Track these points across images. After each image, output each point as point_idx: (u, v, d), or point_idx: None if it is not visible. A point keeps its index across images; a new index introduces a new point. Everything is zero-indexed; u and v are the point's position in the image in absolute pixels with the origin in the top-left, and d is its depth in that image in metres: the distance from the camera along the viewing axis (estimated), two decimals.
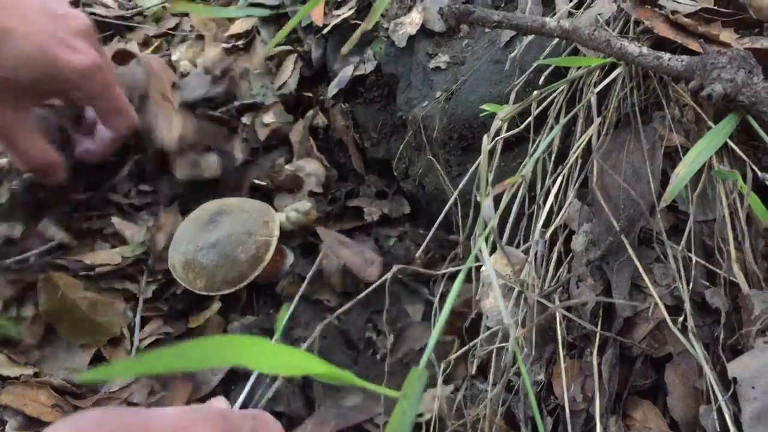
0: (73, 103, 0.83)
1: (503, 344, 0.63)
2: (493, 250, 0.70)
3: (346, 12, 1.05)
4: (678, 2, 0.68)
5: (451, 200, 0.76)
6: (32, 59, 0.68)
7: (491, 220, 0.54)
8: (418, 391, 0.39)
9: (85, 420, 0.36)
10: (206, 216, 0.81)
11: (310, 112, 1.07)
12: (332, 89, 1.04)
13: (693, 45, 0.62)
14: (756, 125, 0.57)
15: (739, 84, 0.56)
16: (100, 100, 0.77)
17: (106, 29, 1.21)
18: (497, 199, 0.76)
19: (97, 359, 0.80)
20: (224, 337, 0.27)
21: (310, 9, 0.98)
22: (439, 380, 0.65)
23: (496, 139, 0.74)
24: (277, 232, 0.78)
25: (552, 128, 0.74)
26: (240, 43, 1.15)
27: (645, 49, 0.63)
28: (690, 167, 0.56)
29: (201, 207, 0.84)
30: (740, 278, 0.57)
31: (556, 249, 0.71)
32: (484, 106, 0.70)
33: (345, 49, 0.84)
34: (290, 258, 0.89)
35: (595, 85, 0.69)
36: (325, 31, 1.06)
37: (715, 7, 0.66)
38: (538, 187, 0.75)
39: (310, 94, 1.06)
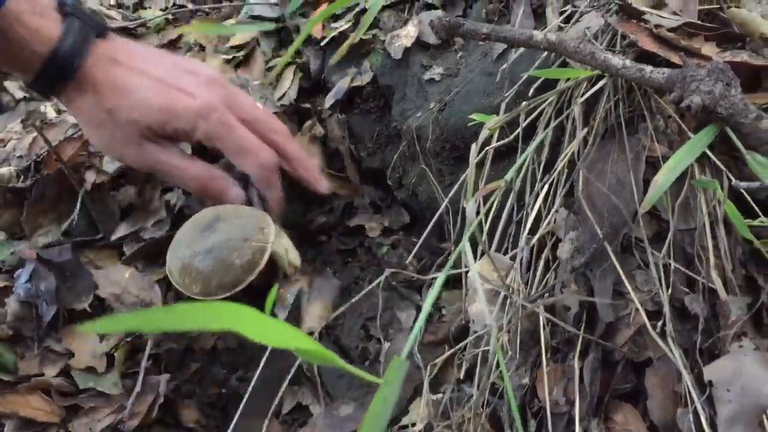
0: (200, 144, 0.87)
1: (488, 347, 0.64)
2: (481, 257, 0.72)
3: (343, 25, 1.08)
4: (662, 17, 0.70)
5: (442, 208, 0.78)
6: (153, 104, 0.78)
7: (473, 221, 0.56)
8: (398, 379, 0.41)
9: None
10: (203, 222, 0.83)
11: (308, 122, 1.09)
12: (329, 100, 1.06)
13: (674, 58, 0.64)
14: (733, 136, 0.59)
15: (717, 96, 0.58)
16: (221, 139, 0.81)
17: None
18: (488, 208, 0.78)
19: None
20: (221, 303, 0.29)
21: (313, 26, 1.01)
22: (426, 383, 0.66)
23: (487, 148, 0.76)
24: (272, 239, 0.80)
25: (542, 138, 0.76)
26: (240, 54, 1.18)
27: (628, 62, 0.65)
28: (668, 176, 0.58)
29: (198, 214, 0.86)
30: (718, 285, 0.59)
31: (543, 256, 0.72)
32: (473, 116, 0.72)
33: (333, 60, 0.87)
34: (295, 260, 0.90)
35: (581, 96, 0.70)
36: (324, 43, 1.09)
37: (699, 22, 0.68)
38: (527, 195, 0.77)
39: (307, 105, 1.08)
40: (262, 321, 0.28)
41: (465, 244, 0.54)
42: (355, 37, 0.79)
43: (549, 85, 0.78)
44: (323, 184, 0.89)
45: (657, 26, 0.68)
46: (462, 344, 0.66)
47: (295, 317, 0.86)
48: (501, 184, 0.61)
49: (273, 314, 0.85)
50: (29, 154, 1.06)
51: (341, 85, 1.06)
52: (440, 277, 0.52)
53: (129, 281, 0.87)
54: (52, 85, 0.77)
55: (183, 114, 0.78)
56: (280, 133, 0.86)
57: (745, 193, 0.57)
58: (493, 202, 0.77)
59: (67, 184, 0.98)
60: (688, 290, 0.61)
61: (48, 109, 1.14)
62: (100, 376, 0.83)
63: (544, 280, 0.71)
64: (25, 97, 1.23)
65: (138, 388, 0.82)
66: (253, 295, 0.90)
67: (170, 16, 1.29)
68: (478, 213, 0.72)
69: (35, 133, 1.10)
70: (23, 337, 0.85)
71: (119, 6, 1.34)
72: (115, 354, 0.85)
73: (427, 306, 0.49)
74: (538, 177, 0.76)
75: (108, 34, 0.79)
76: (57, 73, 0.75)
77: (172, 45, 1.23)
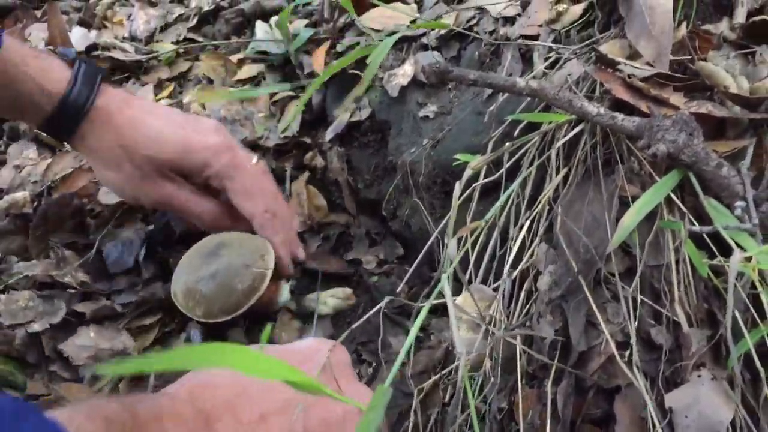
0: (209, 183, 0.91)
1: (472, 373, 0.69)
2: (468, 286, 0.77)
3: (345, 61, 1.14)
4: (636, 67, 0.75)
5: (432, 239, 0.83)
6: (170, 139, 0.82)
7: (455, 258, 0.61)
8: (382, 405, 0.45)
9: None
10: (207, 249, 0.88)
11: (309, 154, 1.15)
12: (329, 133, 1.11)
13: (643, 107, 0.69)
14: (695, 182, 0.64)
15: (680, 145, 0.63)
16: (231, 179, 0.86)
17: (123, 72, 1.31)
18: (473, 242, 0.83)
19: None
20: (213, 344, 0.33)
21: (315, 88, 1.06)
22: (413, 406, 0.71)
23: (474, 185, 0.81)
24: (271, 265, 0.85)
25: (524, 177, 0.81)
26: (247, 87, 1.24)
27: (602, 110, 0.70)
28: (634, 218, 0.63)
29: (203, 240, 0.91)
30: (681, 318, 0.64)
31: (525, 287, 0.77)
32: (458, 156, 0.77)
33: (349, 102, 0.92)
34: (285, 292, 0.95)
35: (561, 139, 0.76)
36: (326, 78, 1.15)
37: (670, 73, 0.74)
38: (512, 230, 0.82)
39: (307, 140, 1.14)
40: (253, 357, 0.33)
41: (444, 283, 0.58)
42: (359, 90, 0.86)
43: (534, 126, 0.83)
44: (300, 253, 0.95)
45: (630, 76, 0.73)
46: (447, 370, 0.71)
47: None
48: (481, 223, 0.66)
49: (272, 341, 0.90)
50: (43, 180, 1.12)
51: (341, 119, 1.11)
52: (424, 309, 0.57)
53: (96, 339, 0.89)
54: (66, 125, 0.80)
55: (198, 150, 0.83)
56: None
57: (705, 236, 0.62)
58: (478, 237, 0.82)
59: (71, 209, 1.02)
60: (654, 322, 0.66)
61: None
62: None
63: (525, 310, 0.76)
64: None
65: None
66: (254, 317, 0.95)
67: (181, 50, 1.35)
68: (464, 246, 0.78)
69: (49, 160, 1.16)
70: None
71: (132, 39, 1.40)
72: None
73: (411, 335, 0.54)
74: (522, 213, 0.81)
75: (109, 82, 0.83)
76: (72, 112, 0.78)
77: (182, 77, 1.29)
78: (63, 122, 0.80)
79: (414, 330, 0.55)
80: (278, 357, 0.65)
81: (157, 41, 1.39)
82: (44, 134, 1.01)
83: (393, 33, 1.06)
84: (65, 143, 0.91)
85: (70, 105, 0.78)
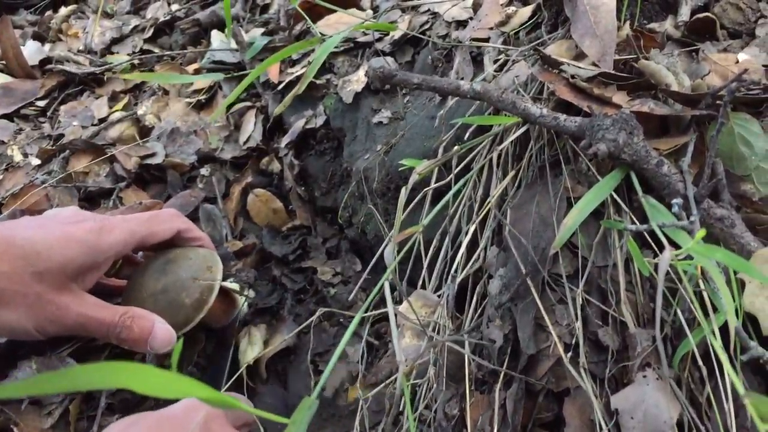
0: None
1: (417, 381, 0.68)
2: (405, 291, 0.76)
3: (299, 70, 1.13)
4: (580, 67, 0.75)
5: (384, 245, 0.82)
6: (73, 238, 0.72)
7: (391, 265, 0.60)
8: (305, 419, 0.44)
9: None
10: (156, 266, 0.86)
11: (266, 158, 1.14)
12: (284, 140, 1.10)
13: (585, 107, 0.69)
14: (635, 180, 0.63)
15: (621, 144, 0.63)
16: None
17: (78, 85, 1.28)
18: (427, 246, 0.82)
19: None
20: (114, 362, 0.32)
21: (265, 68, 1.05)
22: (359, 416, 0.70)
23: (425, 189, 0.80)
24: (219, 276, 0.83)
25: (474, 181, 0.80)
26: (203, 97, 1.22)
27: (545, 111, 0.70)
28: (576, 218, 0.62)
29: (152, 257, 0.89)
30: (628, 318, 0.63)
31: (477, 291, 0.76)
32: (404, 161, 0.76)
33: (277, 111, 0.91)
34: (243, 306, 0.93)
35: (500, 143, 0.75)
36: (281, 86, 1.14)
37: (614, 72, 0.74)
38: (463, 235, 0.81)
39: (263, 146, 1.12)
40: (157, 375, 0.31)
41: (386, 289, 0.57)
42: (300, 88, 0.83)
43: (485, 129, 0.83)
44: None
45: (573, 76, 0.73)
46: (393, 377, 0.69)
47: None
48: (419, 228, 0.65)
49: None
50: None
51: (296, 126, 1.10)
52: (355, 318, 0.56)
53: (40, 370, 0.83)
54: None
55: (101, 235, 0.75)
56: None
57: (645, 233, 0.61)
58: (431, 241, 0.82)
59: None
60: (601, 323, 0.65)
61: (15, 152, 1.18)
62: None
63: (478, 314, 0.75)
64: None
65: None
66: (210, 330, 0.94)
67: (137, 61, 1.33)
68: (413, 251, 0.77)
69: (1, 176, 1.13)
70: None
71: (88, 51, 1.38)
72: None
73: (342, 343, 0.53)
74: (473, 216, 0.81)
75: None
76: None
77: (137, 89, 1.27)
78: None
79: (345, 339, 0.54)
80: (154, 424, 0.63)
81: (113, 53, 1.37)
82: None
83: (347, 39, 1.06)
84: None
85: None
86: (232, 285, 0.92)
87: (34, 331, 0.71)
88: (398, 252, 0.88)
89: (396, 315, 0.65)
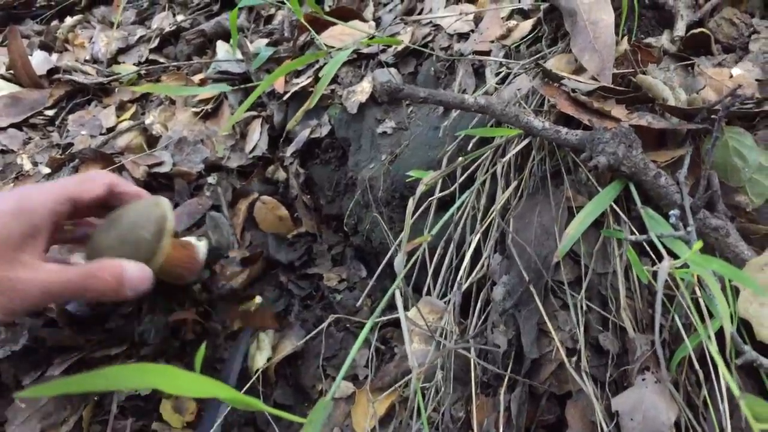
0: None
1: (425, 384, 0.70)
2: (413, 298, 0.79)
3: (304, 81, 1.15)
4: (580, 81, 0.77)
5: (390, 252, 0.84)
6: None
7: (401, 273, 0.62)
8: (321, 419, 0.46)
9: None
10: (105, 224, 0.81)
11: (272, 167, 1.16)
12: (290, 149, 1.13)
13: (585, 120, 0.71)
14: (634, 191, 0.66)
15: (620, 157, 0.65)
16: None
17: (85, 94, 1.31)
18: (432, 253, 0.85)
19: None
20: (143, 364, 0.34)
21: (273, 80, 1.08)
22: (370, 418, 0.72)
23: (430, 199, 0.83)
24: (168, 207, 0.81)
25: (478, 190, 0.83)
26: (209, 107, 1.25)
27: (547, 124, 0.72)
28: (578, 228, 0.65)
29: (103, 219, 0.85)
30: (627, 323, 0.66)
31: (481, 298, 0.79)
32: (411, 173, 0.79)
33: (290, 126, 0.93)
34: (202, 249, 0.92)
35: (511, 152, 0.78)
36: (286, 97, 1.16)
37: (613, 86, 0.76)
38: (467, 244, 0.84)
39: (269, 155, 1.15)
40: (184, 377, 0.33)
41: (397, 296, 0.60)
42: (310, 103, 0.86)
43: (488, 140, 0.86)
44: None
45: (574, 90, 0.76)
46: (403, 381, 0.72)
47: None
48: (427, 238, 0.68)
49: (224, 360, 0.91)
50: None
51: (301, 136, 1.13)
52: (367, 324, 0.58)
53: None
54: None
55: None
56: None
57: (645, 243, 0.64)
58: (436, 249, 0.84)
59: None
60: (602, 329, 0.68)
61: (24, 160, 1.20)
62: None
63: (482, 320, 0.77)
64: (2, 150, 1.28)
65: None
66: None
67: (143, 71, 1.35)
68: (419, 259, 0.79)
69: (12, 185, 1.15)
70: None
71: (94, 61, 1.41)
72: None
73: (354, 349, 0.55)
74: (477, 225, 0.83)
75: None
76: None
77: (144, 99, 1.30)
78: None
79: (357, 344, 0.56)
80: None
81: (120, 62, 1.40)
82: None
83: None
84: None
85: None
86: (189, 238, 0.92)
87: (2, 315, 0.69)
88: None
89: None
